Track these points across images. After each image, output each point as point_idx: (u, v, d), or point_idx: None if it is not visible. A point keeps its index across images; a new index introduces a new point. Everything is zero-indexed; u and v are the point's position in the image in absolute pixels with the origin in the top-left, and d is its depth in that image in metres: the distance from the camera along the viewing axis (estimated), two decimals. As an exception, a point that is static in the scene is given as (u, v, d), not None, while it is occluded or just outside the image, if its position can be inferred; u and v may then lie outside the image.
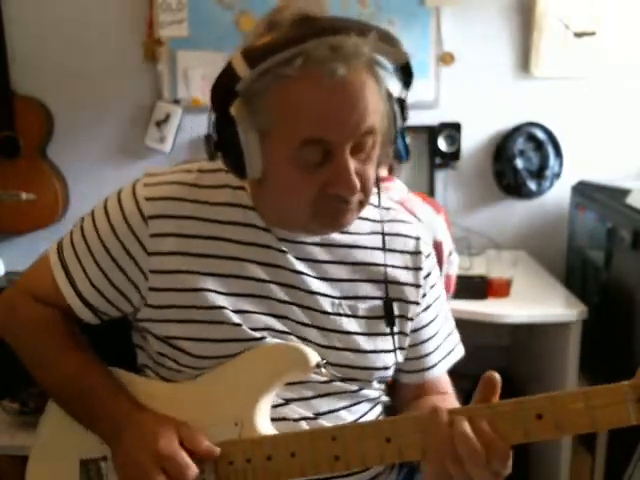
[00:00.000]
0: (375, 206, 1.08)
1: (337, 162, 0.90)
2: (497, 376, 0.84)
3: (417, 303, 1.07)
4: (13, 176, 2.50)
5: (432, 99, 2.52)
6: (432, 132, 2.49)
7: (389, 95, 0.96)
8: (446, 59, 2.50)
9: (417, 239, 1.09)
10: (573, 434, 0.69)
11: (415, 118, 2.64)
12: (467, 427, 0.81)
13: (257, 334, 0.98)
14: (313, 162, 0.91)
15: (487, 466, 0.80)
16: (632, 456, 1.69)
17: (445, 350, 1.13)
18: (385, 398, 1.10)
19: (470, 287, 2.05)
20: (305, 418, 0.99)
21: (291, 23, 0.89)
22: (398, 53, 0.94)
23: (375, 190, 1.07)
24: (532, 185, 2.55)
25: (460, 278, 1.98)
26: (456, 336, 1.17)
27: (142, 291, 1.00)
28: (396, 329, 1.06)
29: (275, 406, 0.98)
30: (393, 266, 1.06)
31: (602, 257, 2.12)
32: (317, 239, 1.03)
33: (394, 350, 1.05)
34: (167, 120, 2.54)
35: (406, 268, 1.07)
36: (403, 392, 1.13)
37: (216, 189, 1.02)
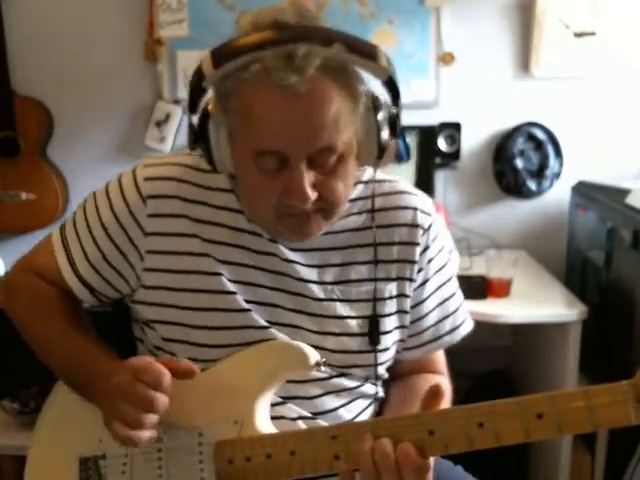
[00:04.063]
0: (365, 183, 1.06)
1: (290, 173, 0.90)
2: (440, 387, 0.87)
3: (412, 280, 1.06)
4: (13, 176, 2.49)
5: (432, 99, 2.52)
6: (432, 132, 2.48)
7: (374, 108, 0.93)
8: (446, 59, 2.50)
9: (414, 209, 1.06)
10: (573, 434, 0.69)
11: (415, 118, 2.65)
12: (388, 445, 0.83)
13: (264, 322, 1.00)
14: (271, 168, 0.91)
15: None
16: (632, 456, 1.68)
17: (446, 327, 1.12)
18: (382, 394, 1.10)
19: (470, 287, 2.04)
20: (303, 417, 1.00)
21: (265, 27, 0.88)
22: (377, 67, 0.90)
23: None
24: (532, 185, 2.55)
25: (460, 278, 1.96)
26: (462, 313, 1.15)
27: (138, 271, 1.02)
28: (394, 308, 1.06)
29: (273, 405, 0.99)
30: (385, 244, 1.04)
31: (602, 257, 2.11)
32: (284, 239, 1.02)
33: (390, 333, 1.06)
34: (167, 120, 2.54)
35: (400, 244, 1.05)
36: (398, 365, 1.13)
37: (214, 174, 1.02)
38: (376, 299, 1.04)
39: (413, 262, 1.06)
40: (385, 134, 0.95)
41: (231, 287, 1.00)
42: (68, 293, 1.07)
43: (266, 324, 1.00)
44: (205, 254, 1.00)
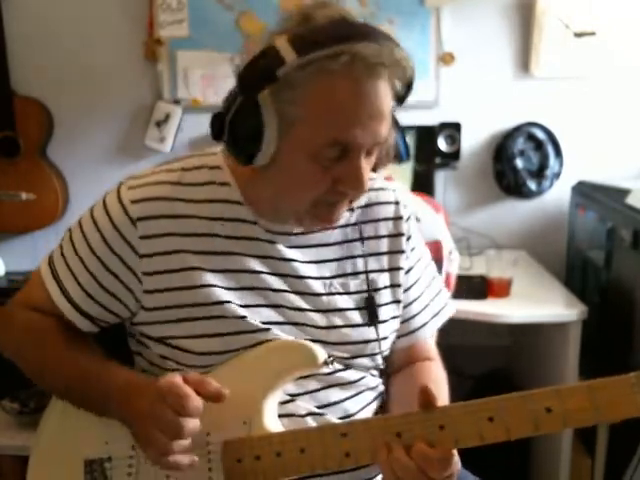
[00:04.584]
0: None
1: (352, 163, 0.93)
2: (429, 388, 0.87)
3: (401, 268, 1.10)
4: (13, 176, 2.50)
5: (432, 99, 2.52)
6: (432, 132, 2.48)
7: (394, 107, 0.98)
8: (446, 59, 2.50)
9: (396, 204, 1.12)
10: (581, 426, 0.70)
11: (415, 118, 2.65)
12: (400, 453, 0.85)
13: (262, 325, 1.00)
14: (330, 158, 0.92)
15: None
16: (632, 456, 1.68)
17: (432, 311, 1.16)
18: (382, 387, 1.11)
19: (470, 287, 2.05)
20: (312, 413, 1.00)
21: (331, 21, 0.89)
22: (411, 69, 0.95)
23: None
24: (532, 185, 2.55)
25: (460, 278, 1.97)
26: (444, 296, 1.19)
27: (137, 294, 1.01)
28: (389, 298, 1.09)
29: (281, 403, 0.99)
30: (376, 237, 1.09)
31: (602, 257, 2.11)
32: (301, 228, 1.04)
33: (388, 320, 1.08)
34: (167, 120, 2.54)
35: (389, 236, 1.10)
36: (392, 358, 1.14)
37: (201, 186, 1.02)
38: (372, 289, 1.07)
39: (402, 252, 1.11)
40: (395, 131, 1.01)
41: (230, 295, 0.99)
42: (66, 321, 1.05)
43: (265, 326, 0.99)
44: (201, 267, 0.99)
